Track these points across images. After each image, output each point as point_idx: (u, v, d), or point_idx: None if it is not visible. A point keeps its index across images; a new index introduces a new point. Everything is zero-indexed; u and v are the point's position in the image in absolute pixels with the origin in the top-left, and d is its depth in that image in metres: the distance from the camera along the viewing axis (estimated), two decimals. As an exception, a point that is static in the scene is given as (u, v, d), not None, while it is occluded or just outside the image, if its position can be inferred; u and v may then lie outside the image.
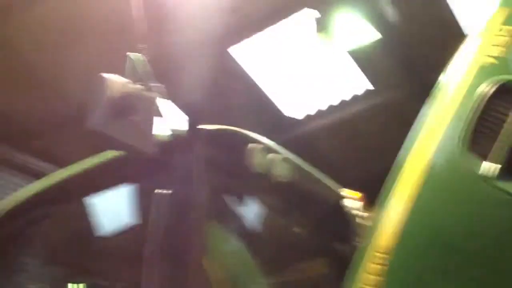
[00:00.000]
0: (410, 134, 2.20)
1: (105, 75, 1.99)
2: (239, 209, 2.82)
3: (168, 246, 2.14)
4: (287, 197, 2.87)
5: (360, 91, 7.59)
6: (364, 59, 7.06)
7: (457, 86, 2.13)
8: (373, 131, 7.76)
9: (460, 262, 1.93)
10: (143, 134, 2.01)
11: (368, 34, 6.02)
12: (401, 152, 2.17)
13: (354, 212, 3.16)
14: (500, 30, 2.07)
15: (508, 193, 1.82)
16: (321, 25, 5.89)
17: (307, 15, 6.17)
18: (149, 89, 2.07)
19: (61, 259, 3.55)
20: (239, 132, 2.64)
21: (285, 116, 7.97)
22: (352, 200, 3.19)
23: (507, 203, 1.83)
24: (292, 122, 7.98)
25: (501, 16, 2.09)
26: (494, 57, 2.05)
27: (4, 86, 7.15)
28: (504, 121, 1.94)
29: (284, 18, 6.65)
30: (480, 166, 1.92)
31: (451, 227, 1.96)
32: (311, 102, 7.83)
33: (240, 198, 2.73)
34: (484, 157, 1.94)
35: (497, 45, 2.05)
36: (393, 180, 2.12)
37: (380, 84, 7.43)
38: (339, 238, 3.20)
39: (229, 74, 7.30)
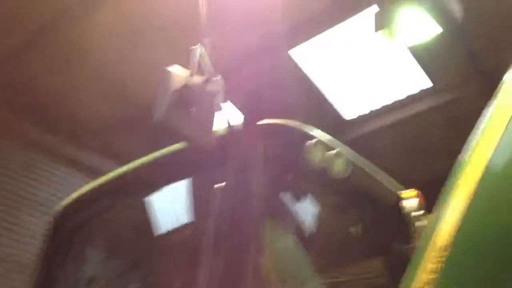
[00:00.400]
0: (473, 133, 2.17)
1: (169, 68, 2.02)
2: (294, 206, 2.79)
3: (226, 241, 2.13)
4: (344, 194, 2.82)
5: (422, 89, 7.44)
6: (427, 57, 6.90)
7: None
8: (435, 131, 7.57)
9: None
10: (204, 126, 2.03)
11: (431, 30, 5.86)
12: (464, 151, 2.14)
13: (412, 213, 3.08)
14: None
15: None
16: (384, 22, 5.77)
17: (371, 13, 6.09)
18: (210, 82, 2.08)
19: (122, 254, 3.63)
20: (299, 127, 2.61)
21: (343, 117, 7.89)
22: (410, 200, 3.11)
23: None
24: (351, 122, 7.89)
25: None
26: None
27: (69, 87, 7.43)
28: None
29: (347, 18, 6.61)
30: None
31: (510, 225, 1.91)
32: (372, 100, 7.73)
33: (297, 194, 2.70)
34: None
35: None
36: (454, 179, 2.10)
37: (443, 82, 7.23)
38: (396, 239, 3.13)
39: (288, 74, 7.30)
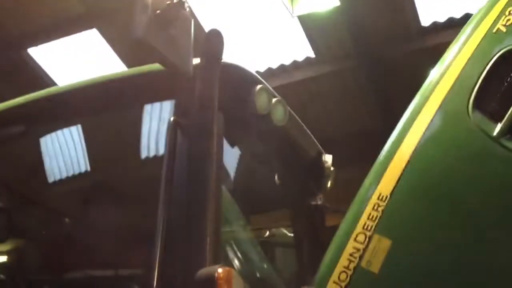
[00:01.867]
0: (420, 90, 2.28)
1: (146, -15, 1.87)
2: (230, 149, 2.78)
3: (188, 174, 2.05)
4: (276, 142, 2.87)
5: (304, 58, 7.73)
6: (315, 28, 7.17)
7: (464, 53, 2.26)
8: (313, 100, 7.93)
9: (457, 214, 2.05)
10: (183, 50, 1.93)
11: (328, 3, 6.09)
12: (406, 112, 2.25)
13: (330, 167, 3.23)
14: (509, 2, 2.25)
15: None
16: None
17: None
18: (185, 6, 1.97)
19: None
20: (250, 70, 2.59)
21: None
22: (328, 156, 3.25)
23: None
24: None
25: None
26: (503, 26, 2.20)
27: None
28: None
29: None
30: (491, 126, 2.06)
31: (452, 180, 2.08)
32: (256, 63, 7.87)
33: (235, 138, 2.69)
34: (495, 118, 2.08)
35: (506, 16, 2.20)
36: (401, 130, 2.21)
37: (325, 54, 7.57)
38: (309, 192, 3.27)
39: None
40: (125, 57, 7.82)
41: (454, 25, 7.27)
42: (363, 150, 6.06)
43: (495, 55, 2.18)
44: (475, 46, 2.28)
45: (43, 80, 7.96)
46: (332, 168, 3.22)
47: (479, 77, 2.16)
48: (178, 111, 2.23)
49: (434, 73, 2.33)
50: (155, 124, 2.49)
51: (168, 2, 1.86)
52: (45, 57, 7.98)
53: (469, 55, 2.27)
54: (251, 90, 2.48)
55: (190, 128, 2.11)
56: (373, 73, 7.40)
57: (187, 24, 1.97)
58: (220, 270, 1.72)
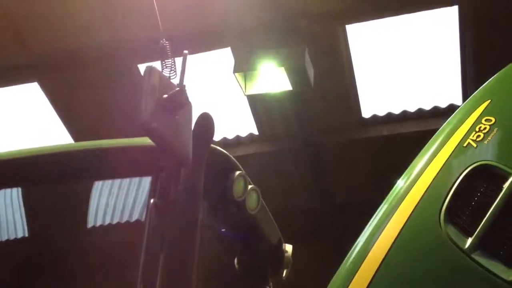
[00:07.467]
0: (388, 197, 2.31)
1: (153, 67, 1.84)
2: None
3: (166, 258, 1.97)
4: (244, 228, 2.85)
5: (248, 134, 7.85)
6: (263, 107, 7.34)
7: (434, 165, 2.33)
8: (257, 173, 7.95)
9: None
10: (182, 138, 1.88)
11: (281, 86, 6.23)
12: (376, 218, 2.27)
13: (289, 256, 3.23)
14: (479, 118, 2.35)
15: (487, 269, 2.00)
16: (242, 67, 6.00)
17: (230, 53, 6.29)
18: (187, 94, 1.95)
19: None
20: (229, 156, 2.58)
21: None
22: (288, 245, 3.26)
23: (486, 278, 2.00)
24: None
25: (481, 106, 2.37)
26: (473, 141, 2.30)
27: None
28: (486, 201, 2.16)
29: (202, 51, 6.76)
30: (463, 239, 2.11)
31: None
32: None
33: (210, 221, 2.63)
34: (466, 232, 2.14)
35: (476, 131, 2.30)
36: (370, 236, 2.22)
37: (269, 134, 7.72)
38: (264, 278, 3.23)
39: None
40: (65, 116, 7.68)
41: (392, 120, 7.65)
42: (296, 228, 6.11)
43: (465, 169, 2.22)
44: (446, 158, 2.32)
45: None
46: (291, 258, 3.21)
47: (449, 190, 2.18)
48: (157, 192, 2.15)
49: (403, 181, 2.35)
50: (131, 198, 2.40)
51: (177, 88, 1.84)
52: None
53: (440, 166, 2.30)
54: (230, 175, 2.46)
55: (173, 215, 2.03)
56: (313, 157, 7.59)
57: (189, 110, 1.95)
58: None
